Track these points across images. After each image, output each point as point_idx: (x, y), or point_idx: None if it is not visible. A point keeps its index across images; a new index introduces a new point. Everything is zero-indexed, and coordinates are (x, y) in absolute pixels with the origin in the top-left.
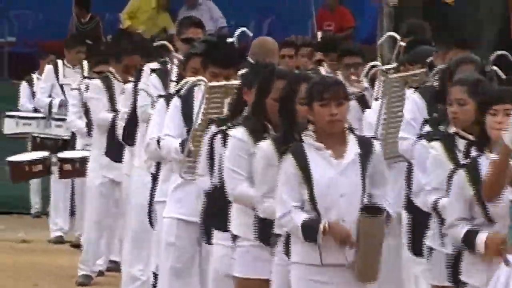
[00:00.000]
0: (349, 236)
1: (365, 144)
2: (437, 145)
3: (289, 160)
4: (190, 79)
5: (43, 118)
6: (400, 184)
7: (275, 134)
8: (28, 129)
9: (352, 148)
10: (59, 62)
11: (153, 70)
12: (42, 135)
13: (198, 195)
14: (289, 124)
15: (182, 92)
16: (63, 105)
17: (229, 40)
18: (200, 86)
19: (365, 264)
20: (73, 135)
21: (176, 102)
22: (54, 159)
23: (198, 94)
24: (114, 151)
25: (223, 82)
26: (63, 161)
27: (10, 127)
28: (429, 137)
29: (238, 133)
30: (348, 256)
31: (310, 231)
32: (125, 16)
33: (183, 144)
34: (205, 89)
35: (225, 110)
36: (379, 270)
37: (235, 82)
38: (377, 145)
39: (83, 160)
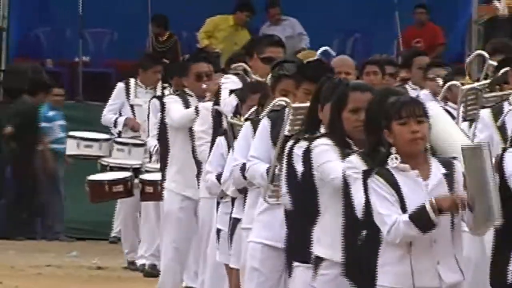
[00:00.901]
0: (456, 197)
1: (447, 165)
2: None
3: (379, 182)
4: (275, 101)
5: (106, 140)
6: None
7: (360, 150)
8: (89, 151)
9: (437, 169)
10: (132, 81)
11: (231, 91)
12: (111, 164)
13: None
14: (376, 140)
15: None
16: (127, 124)
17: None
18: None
19: (481, 204)
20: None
21: (265, 122)
22: (136, 181)
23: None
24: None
25: (305, 104)
26: (145, 183)
27: (72, 148)
28: None
29: (324, 140)
30: (443, 277)
31: (421, 218)
32: (202, 35)
33: (269, 170)
34: (289, 110)
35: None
36: (499, 208)
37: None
38: (458, 165)
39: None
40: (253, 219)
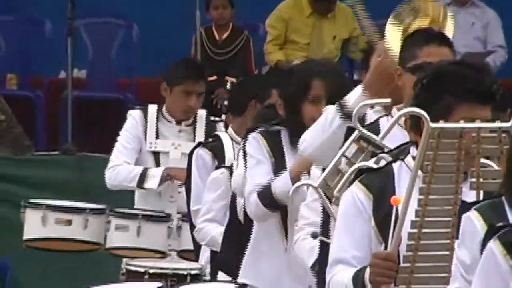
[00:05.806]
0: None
1: None
2: None
3: (501, 257)
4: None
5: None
6: None
7: None
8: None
9: None
10: (151, 109)
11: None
12: (152, 270)
13: None
14: None
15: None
16: (171, 175)
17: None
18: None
19: None
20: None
21: (360, 195)
22: None
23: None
24: None
25: (459, 124)
26: None
27: (32, 228)
28: None
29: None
30: None
31: None
32: (270, 47)
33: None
34: (425, 131)
35: (461, 173)
36: None
37: (487, 125)
38: None
39: None
40: None
